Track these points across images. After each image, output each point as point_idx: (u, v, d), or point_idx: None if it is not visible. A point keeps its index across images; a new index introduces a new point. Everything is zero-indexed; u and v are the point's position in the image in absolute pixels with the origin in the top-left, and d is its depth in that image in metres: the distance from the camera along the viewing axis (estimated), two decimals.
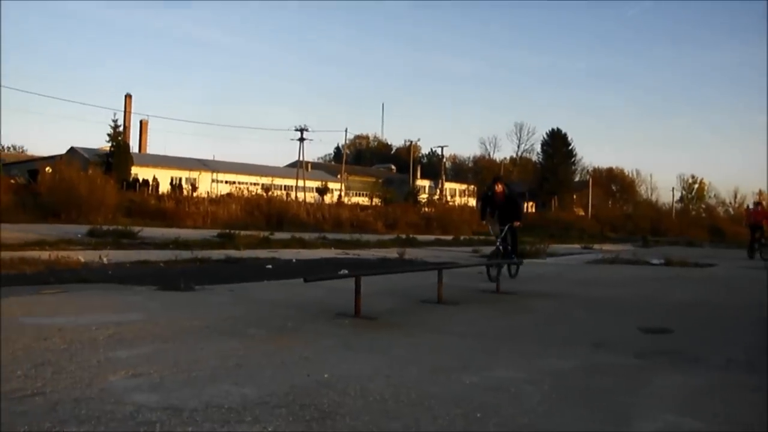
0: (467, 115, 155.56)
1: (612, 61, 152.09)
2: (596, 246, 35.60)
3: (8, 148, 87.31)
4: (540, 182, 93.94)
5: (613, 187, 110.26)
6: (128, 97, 73.05)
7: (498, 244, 13.22)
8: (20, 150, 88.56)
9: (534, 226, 58.53)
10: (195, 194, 50.56)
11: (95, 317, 7.00)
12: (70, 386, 4.30)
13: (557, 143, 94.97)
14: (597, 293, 11.71)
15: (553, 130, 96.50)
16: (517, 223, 13.25)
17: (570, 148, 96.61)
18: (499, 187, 13.39)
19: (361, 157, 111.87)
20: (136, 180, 56.69)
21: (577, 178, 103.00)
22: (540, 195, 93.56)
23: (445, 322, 7.88)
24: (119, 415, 3.73)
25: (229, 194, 50.69)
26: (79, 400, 3.99)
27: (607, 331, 7.62)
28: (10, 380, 4.39)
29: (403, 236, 33.40)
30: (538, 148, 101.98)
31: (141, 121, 78.91)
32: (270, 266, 15.79)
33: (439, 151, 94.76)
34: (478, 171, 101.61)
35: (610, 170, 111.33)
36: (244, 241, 23.22)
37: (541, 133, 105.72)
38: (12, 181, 40.26)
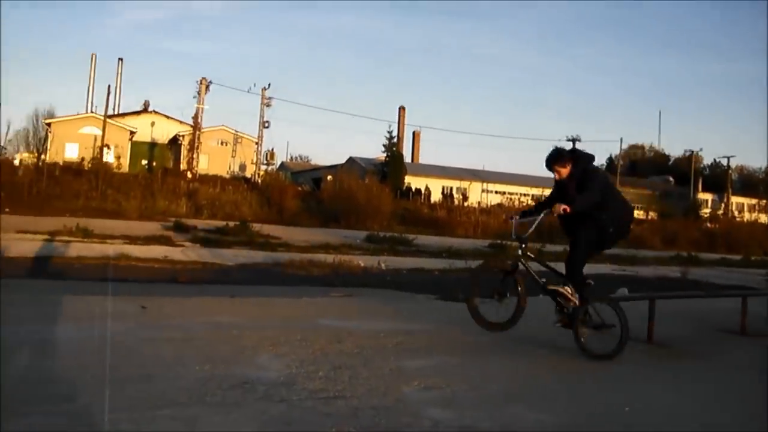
0: (757, 121, 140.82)
1: None
2: None
3: (295, 158, 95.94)
4: None
5: None
6: (402, 109, 76.51)
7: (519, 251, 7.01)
8: (306, 160, 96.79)
9: None
10: (465, 204, 51.45)
11: (381, 324, 7.21)
12: (367, 393, 4.38)
13: None
14: None
15: None
16: (563, 209, 6.47)
17: None
18: (562, 171, 6.62)
19: (636, 167, 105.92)
20: (409, 189, 58.98)
21: None
22: None
23: (753, 357, 6.96)
24: (417, 429, 3.70)
25: (499, 204, 50.94)
26: (378, 408, 4.04)
27: None
28: (313, 380, 4.60)
29: (684, 254, 31.07)
30: None
31: (414, 132, 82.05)
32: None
33: (724, 161, 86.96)
34: None
35: None
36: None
37: None
38: (299, 188, 44.00)
